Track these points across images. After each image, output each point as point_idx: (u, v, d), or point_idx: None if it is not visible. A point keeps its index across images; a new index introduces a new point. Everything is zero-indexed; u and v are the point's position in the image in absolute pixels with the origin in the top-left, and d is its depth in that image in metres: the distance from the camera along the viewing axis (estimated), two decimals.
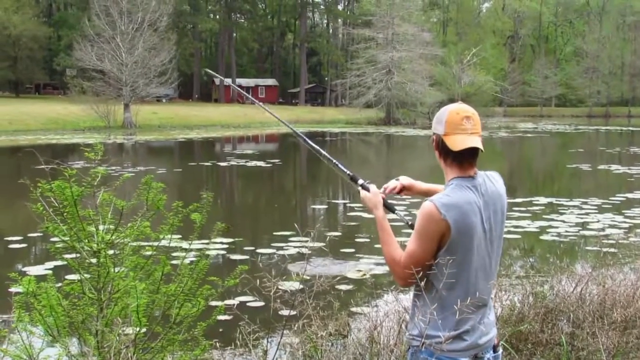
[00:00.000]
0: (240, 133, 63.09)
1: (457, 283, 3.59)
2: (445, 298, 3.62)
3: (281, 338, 6.43)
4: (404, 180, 4.11)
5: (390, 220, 3.80)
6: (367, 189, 3.98)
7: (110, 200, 4.28)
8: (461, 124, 3.57)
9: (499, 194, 3.68)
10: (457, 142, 3.56)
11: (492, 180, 3.70)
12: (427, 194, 4.03)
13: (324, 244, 12.35)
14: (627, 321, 6.75)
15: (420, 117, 77.79)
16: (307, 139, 4.44)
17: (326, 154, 4.44)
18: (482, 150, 3.61)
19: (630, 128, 79.29)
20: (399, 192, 4.12)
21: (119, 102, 63.61)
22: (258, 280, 5.76)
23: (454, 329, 3.59)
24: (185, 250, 4.63)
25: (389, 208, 3.93)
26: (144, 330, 4.30)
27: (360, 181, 4.05)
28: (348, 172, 4.20)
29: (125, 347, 4.18)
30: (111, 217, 4.31)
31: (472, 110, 3.67)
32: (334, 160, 4.31)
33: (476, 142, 3.57)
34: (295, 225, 7.27)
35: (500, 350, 3.84)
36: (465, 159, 3.60)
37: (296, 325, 6.29)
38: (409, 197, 4.24)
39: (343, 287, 10.88)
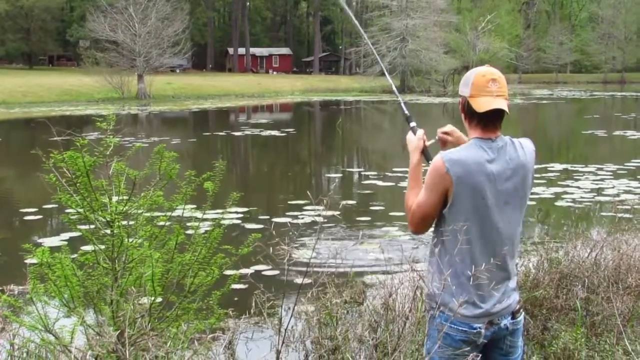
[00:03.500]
0: (255, 102, 63.01)
1: (467, 247, 3.60)
2: (459, 263, 3.64)
3: (295, 305, 6.43)
4: (449, 128, 4.10)
5: None
6: (415, 132, 4.02)
7: (123, 170, 4.28)
8: (487, 86, 3.60)
9: (520, 160, 3.66)
10: (482, 104, 3.58)
11: (516, 146, 3.69)
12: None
13: (338, 212, 12.40)
14: None
15: (435, 85, 77.49)
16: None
17: (395, 90, 4.62)
18: (507, 113, 3.63)
19: None
20: (443, 144, 4.07)
21: (133, 73, 63.45)
22: (271, 249, 5.76)
23: (468, 294, 3.62)
24: (200, 220, 4.64)
25: (426, 157, 3.95)
26: (159, 299, 4.32)
27: (413, 124, 4.09)
28: (406, 111, 4.26)
29: (140, 316, 4.20)
30: (124, 187, 4.32)
31: (498, 73, 3.68)
32: (399, 98, 4.44)
33: (501, 104, 3.59)
34: (308, 193, 7.26)
35: (521, 317, 3.83)
36: (490, 121, 3.63)
37: (311, 293, 6.30)
38: None
39: (358, 255, 10.91)
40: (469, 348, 3.65)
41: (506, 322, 3.71)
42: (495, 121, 3.64)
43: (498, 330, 3.70)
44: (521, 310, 3.85)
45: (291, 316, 5.52)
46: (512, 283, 3.79)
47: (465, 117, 3.72)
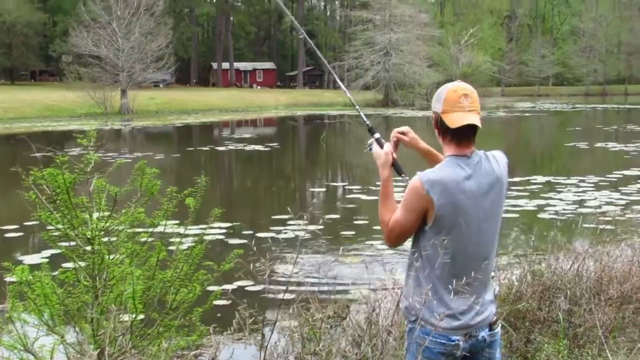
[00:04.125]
0: (239, 117, 62.97)
1: (448, 261, 3.62)
2: (438, 277, 3.66)
3: (277, 321, 6.42)
4: (406, 128, 4.10)
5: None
6: (382, 145, 4.01)
7: (104, 187, 4.26)
8: (459, 102, 3.61)
9: (495, 174, 3.68)
10: (455, 120, 3.59)
11: (491, 160, 3.71)
12: (425, 154, 4.09)
13: (321, 227, 12.41)
14: (624, 297, 6.79)
15: (419, 99, 77.54)
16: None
17: (353, 100, 4.54)
18: (479, 127, 3.64)
19: (627, 106, 79.26)
20: (396, 144, 4.07)
21: (116, 88, 63.28)
22: (252, 265, 5.77)
23: (447, 308, 3.64)
24: (182, 235, 4.63)
25: (397, 170, 3.96)
26: (140, 317, 4.30)
27: (377, 135, 4.08)
28: (368, 122, 4.27)
29: (121, 334, 4.19)
30: (105, 203, 4.31)
31: (470, 88, 3.70)
32: (357, 107, 4.44)
33: (474, 119, 3.60)
34: (289, 209, 7.28)
35: (498, 328, 3.85)
36: (464, 137, 3.63)
37: (294, 308, 6.29)
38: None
39: (341, 270, 10.90)
40: None
41: (484, 334, 3.73)
42: (469, 136, 3.65)
43: (476, 342, 3.71)
44: (498, 321, 3.87)
45: (272, 332, 5.52)
46: (489, 295, 3.82)
47: (438, 133, 3.73)
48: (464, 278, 3.63)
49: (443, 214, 3.58)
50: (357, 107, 4.44)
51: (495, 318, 3.83)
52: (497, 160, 3.73)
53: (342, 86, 4.81)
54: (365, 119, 4.30)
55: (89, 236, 4.18)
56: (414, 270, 3.76)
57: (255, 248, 4.76)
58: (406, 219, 3.68)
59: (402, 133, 4.06)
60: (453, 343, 3.66)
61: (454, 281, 3.63)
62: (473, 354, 3.75)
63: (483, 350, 3.77)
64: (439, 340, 3.65)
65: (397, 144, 4.04)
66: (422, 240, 3.72)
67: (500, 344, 3.94)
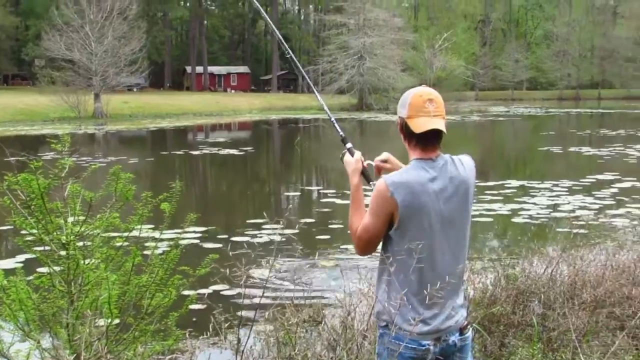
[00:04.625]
0: (213, 121, 62.84)
1: (417, 266, 3.63)
2: (408, 282, 3.67)
3: (253, 325, 6.42)
4: (386, 155, 4.14)
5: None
6: (352, 154, 4.05)
7: (78, 192, 4.24)
8: (424, 107, 3.63)
9: (461, 177, 3.69)
10: (420, 125, 3.61)
11: (456, 163, 3.72)
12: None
13: (297, 231, 12.40)
14: (597, 301, 6.83)
15: (393, 103, 77.40)
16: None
17: (327, 111, 4.54)
18: (445, 133, 3.67)
19: (600, 110, 79.87)
20: (378, 171, 4.12)
21: (89, 92, 62.94)
22: (228, 270, 5.76)
23: (417, 313, 3.65)
24: (157, 240, 4.62)
25: (366, 178, 3.99)
26: (115, 321, 4.29)
27: (349, 145, 4.12)
28: (341, 133, 4.29)
29: (96, 339, 4.17)
30: (80, 208, 4.28)
31: (435, 93, 3.72)
32: (332, 119, 4.44)
33: (439, 124, 3.62)
34: (265, 214, 7.28)
35: (469, 332, 3.85)
36: (429, 141, 3.65)
37: (268, 313, 6.29)
38: None
39: (316, 274, 10.92)
40: None
41: (454, 338, 3.74)
42: (434, 141, 3.67)
43: (446, 346, 3.72)
44: (469, 326, 3.88)
45: (248, 336, 5.51)
46: (460, 300, 3.83)
47: (404, 137, 3.75)
48: (434, 283, 3.64)
49: (407, 215, 3.60)
50: (331, 117, 4.44)
51: (466, 322, 3.84)
52: (463, 163, 3.75)
53: (317, 93, 4.84)
54: (338, 129, 4.33)
55: (64, 241, 4.16)
56: (384, 276, 3.79)
57: (231, 254, 4.73)
58: (373, 223, 3.69)
59: (383, 161, 4.09)
60: (423, 348, 3.66)
61: (423, 286, 3.65)
62: (444, 358, 3.76)
63: (454, 354, 3.77)
64: (409, 346, 3.66)
65: (379, 170, 4.08)
66: (390, 245, 3.74)
67: (472, 348, 3.96)
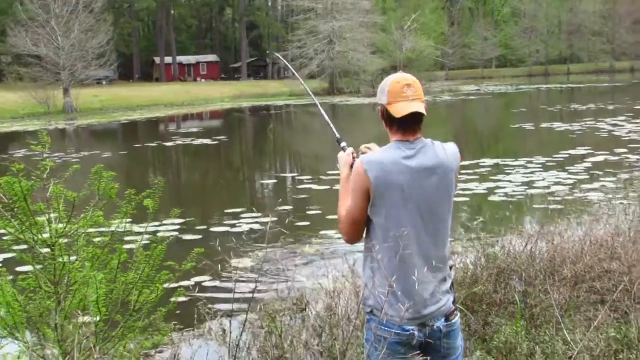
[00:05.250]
0: (184, 111, 62.52)
1: (393, 247, 3.68)
2: (390, 267, 3.71)
3: (238, 315, 6.44)
4: (372, 145, 4.18)
5: None
6: (345, 150, 4.10)
7: (61, 192, 4.24)
8: (403, 92, 3.71)
9: (440, 159, 3.72)
10: (400, 109, 3.68)
11: (437, 147, 3.76)
12: None
13: (275, 219, 12.40)
14: (577, 277, 6.90)
15: (364, 86, 77.70)
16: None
17: (325, 115, 4.59)
18: (425, 115, 3.73)
19: (570, 85, 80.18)
20: None
21: (58, 87, 62.50)
22: (213, 261, 5.78)
23: (397, 297, 3.70)
24: (137, 234, 4.62)
25: None
26: (103, 319, 4.29)
27: (343, 144, 4.19)
28: (338, 135, 4.36)
29: (85, 338, 4.17)
30: (63, 208, 4.28)
31: (412, 78, 3.80)
32: (330, 123, 4.50)
33: (418, 107, 3.69)
34: (254, 209, 7.29)
35: (456, 319, 3.88)
36: (409, 125, 3.71)
37: (252, 303, 6.30)
38: None
39: (298, 261, 10.93)
40: (404, 350, 3.73)
41: (439, 324, 3.77)
42: (414, 125, 3.73)
43: (432, 332, 3.76)
44: (456, 312, 3.89)
45: (240, 327, 5.52)
46: (445, 285, 3.85)
47: (386, 124, 3.81)
48: (413, 267, 3.69)
49: (380, 192, 3.66)
50: (329, 122, 4.50)
51: (453, 309, 3.86)
52: (445, 149, 3.79)
53: (311, 96, 4.86)
54: (335, 131, 4.40)
55: (49, 242, 4.16)
56: (367, 262, 3.84)
57: (219, 248, 4.74)
58: (353, 203, 3.75)
59: (368, 148, 4.14)
60: (407, 333, 3.71)
61: (404, 271, 3.69)
62: (432, 344, 3.79)
63: (440, 340, 3.80)
64: (394, 331, 3.70)
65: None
66: (372, 231, 3.79)
67: (461, 333, 3.98)
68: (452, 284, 3.95)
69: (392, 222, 3.68)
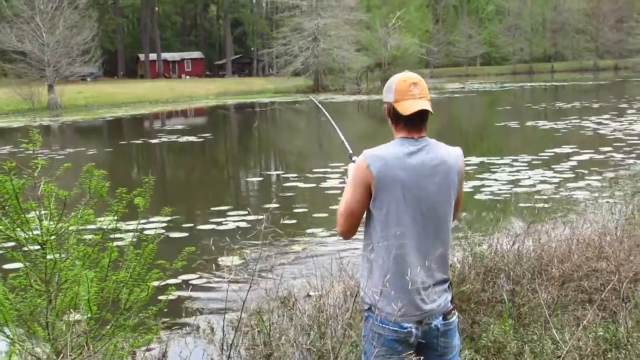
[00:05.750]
0: (169, 108, 62.34)
1: (391, 244, 3.71)
2: (389, 265, 3.74)
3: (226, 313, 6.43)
4: None
5: None
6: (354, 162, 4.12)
7: (52, 190, 4.23)
8: (409, 90, 3.77)
9: (442, 158, 3.75)
10: (407, 107, 3.73)
11: (440, 147, 3.81)
12: None
13: (261, 217, 12.38)
14: (565, 275, 6.93)
15: (349, 83, 77.74)
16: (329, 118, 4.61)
17: (338, 130, 4.76)
18: (431, 113, 3.78)
19: (554, 83, 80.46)
20: None
21: (43, 83, 62.24)
22: (202, 259, 5.77)
23: (395, 295, 3.71)
24: (125, 232, 4.62)
25: None
26: (94, 317, 4.29)
27: (354, 158, 4.16)
28: (350, 151, 4.47)
29: (77, 336, 4.16)
30: (54, 206, 4.27)
31: (418, 77, 3.87)
32: (344, 140, 4.63)
33: (425, 104, 3.75)
34: (249, 210, 7.28)
35: (453, 318, 3.90)
36: (415, 123, 3.77)
37: (242, 299, 6.28)
38: None
39: (285, 259, 10.93)
40: (401, 348, 3.75)
41: (437, 322, 3.80)
42: (420, 122, 3.78)
43: (429, 330, 3.78)
44: (454, 311, 3.92)
45: (222, 324, 5.51)
46: (443, 284, 3.87)
47: (392, 121, 3.85)
48: (413, 264, 3.72)
49: (381, 186, 3.69)
50: (342, 139, 4.56)
51: (451, 307, 3.88)
52: (448, 151, 3.83)
53: (337, 130, 4.91)
54: (348, 147, 4.52)
55: (40, 241, 4.15)
56: (365, 258, 3.86)
57: (213, 247, 4.74)
58: (352, 196, 3.78)
59: None
60: (405, 330, 3.73)
61: (402, 268, 3.71)
62: (429, 342, 3.81)
63: (437, 338, 3.82)
64: (391, 328, 3.73)
65: None
66: (371, 227, 3.82)
67: (458, 332, 4.00)
68: (450, 283, 3.97)
69: (392, 217, 3.71)
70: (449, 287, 3.92)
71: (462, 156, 3.89)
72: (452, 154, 3.83)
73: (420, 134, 3.78)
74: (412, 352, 3.76)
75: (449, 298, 3.89)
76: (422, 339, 3.78)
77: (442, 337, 3.83)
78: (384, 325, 3.74)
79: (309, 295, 7.29)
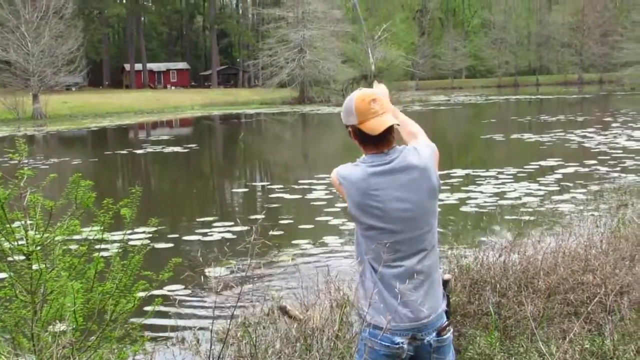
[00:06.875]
0: (154, 118, 62.22)
1: (374, 258, 3.70)
2: (369, 278, 3.74)
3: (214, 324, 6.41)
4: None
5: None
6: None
7: (38, 200, 4.20)
8: (371, 108, 3.68)
9: (413, 164, 3.68)
10: (374, 126, 3.66)
11: (409, 153, 3.72)
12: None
13: (246, 228, 12.36)
14: (551, 288, 6.94)
15: (334, 95, 77.82)
16: None
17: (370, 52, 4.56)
18: (398, 125, 3.76)
19: (539, 96, 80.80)
20: None
21: (27, 92, 62.07)
22: (188, 271, 5.74)
23: (382, 308, 3.68)
24: (111, 242, 4.60)
25: None
26: (79, 329, 4.26)
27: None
28: (373, 68, 4.36)
29: (62, 347, 4.13)
30: (39, 217, 4.25)
31: (375, 91, 3.83)
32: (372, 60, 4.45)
33: (390, 120, 3.68)
34: (238, 220, 7.28)
35: (448, 334, 3.83)
36: (383, 139, 3.69)
37: (226, 312, 6.28)
38: None
39: (273, 271, 10.91)
40: None
41: (430, 338, 3.73)
42: (388, 136, 3.71)
43: (422, 345, 3.73)
44: (449, 328, 3.85)
45: (211, 335, 5.49)
46: (435, 299, 3.79)
47: (360, 143, 3.78)
48: (397, 279, 3.68)
49: (355, 210, 3.71)
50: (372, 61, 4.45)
51: (445, 324, 3.82)
52: (418, 151, 3.74)
53: None
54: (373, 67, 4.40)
55: (25, 251, 4.12)
56: (359, 275, 3.83)
57: (201, 259, 4.72)
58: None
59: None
60: (397, 346, 3.68)
61: (386, 283, 3.69)
62: (420, 358, 3.77)
63: (430, 354, 3.77)
64: (383, 343, 3.68)
65: None
66: (359, 244, 3.81)
67: (453, 349, 3.95)
68: (447, 299, 3.93)
69: (374, 233, 3.69)
70: (443, 301, 3.87)
71: (432, 147, 3.83)
72: (423, 154, 3.75)
73: (389, 147, 3.72)
74: None
75: (443, 315, 3.84)
76: (416, 355, 3.75)
77: (434, 354, 3.78)
78: (376, 340, 3.70)
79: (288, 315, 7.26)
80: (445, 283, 3.98)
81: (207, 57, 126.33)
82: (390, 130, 3.69)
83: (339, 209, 15.26)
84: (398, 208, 3.66)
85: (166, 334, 7.47)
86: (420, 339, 3.72)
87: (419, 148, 3.77)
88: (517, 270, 7.40)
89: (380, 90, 4.00)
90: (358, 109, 3.68)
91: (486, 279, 7.28)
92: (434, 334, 3.75)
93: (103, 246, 4.52)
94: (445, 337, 3.82)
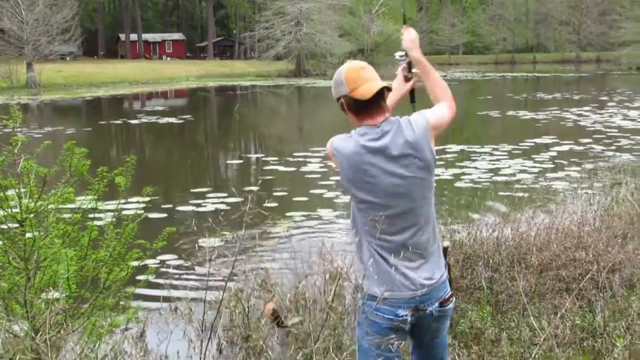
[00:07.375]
0: (149, 89, 61.92)
1: (369, 231, 3.69)
2: (366, 250, 3.74)
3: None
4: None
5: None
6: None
7: (32, 168, 4.18)
8: (361, 76, 3.67)
9: (406, 138, 3.65)
10: (366, 91, 3.63)
11: (403, 126, 3.68)
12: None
13: (241, 199, 12.36)
14: (543, 264, 6.96)
15: (331, 68, 77.35)
16: None
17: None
18: (390, 87, 3.76)
19: (536, 74, 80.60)
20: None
21: (21, 61, 61.72)
22: (181, 240, 5.75)
23: (381, 279, 3.67)
24: (103, 211, 4.58)
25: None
26: (73, 296, 4.26)
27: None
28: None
29: (55, 314, 4.14)
30: (33, 184, 4.23)
31: (363, 62, 3.79)
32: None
33: (381, 83, 3.66)
34: (234, 190, 7.25)
35: (450, 305, 3.83)
36: (375, 105, 3.66)
37: (219, 283, 6.29)
38: None
39: (266, 242, 10.91)
40: (394, 335, 3.69)
41: (432, 308, 3.72)
42: (381, 102, 3.69)
43: (424, 315, 3.71)
44: (451, 299, 3.84)
45: (204, 305, 5.50)
46: (437, 271, 3.78)
47: (353, 113, 3.74)
48: (394, 249, 3.67)
49: (349, 182, 3.69)
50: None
51: (448, 295, 3.81)
52: (411, 124, 3.70)
53: None
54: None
55: (19, 218, 4.12)
56: (356, 247, 3.81)
57: (195, 228, 4.72)
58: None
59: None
60: (400, 318, 3.68)
61: (382, 255, 3.68)
62: (421, 325, 3.76)
63: (430, 323, 3.77)
64: (386, 316, 3.68)
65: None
66: (354, 217, 3.79)
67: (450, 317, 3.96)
68: (448, 269, 3.93)
69: (367, 207, 3.68)
70: (444, 272, 3.85)
71: (426, 118, 3.77)
72: (416, 126, 3.70)
73: (385, 116, 3.69)
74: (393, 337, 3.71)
75: (447, 286, 3.84)
76: (415, 323, 3.74)
77: (434, 322, 3.78)
78: (378, 313, 3.68)
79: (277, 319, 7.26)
80: (445, 250, 3.98)
81: (203, 28, 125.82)
82: (381, 96, 3.67)
83: (333, 182, 15.25)
84: (390, 183, 3.64)
85: (159, 304, 7.48)
86: (422, 310, 3.71)
87: (414, 120, 3.72)
88: (510, 245, 7.42)
89: (410, 34, 4.11)
90: (348, 78, 3.67)
91: (479, 254, 7.31)
92: (437, 304, 3.75)
93: (97, 215, 4.52)
94: (447, 307, 3.82)
